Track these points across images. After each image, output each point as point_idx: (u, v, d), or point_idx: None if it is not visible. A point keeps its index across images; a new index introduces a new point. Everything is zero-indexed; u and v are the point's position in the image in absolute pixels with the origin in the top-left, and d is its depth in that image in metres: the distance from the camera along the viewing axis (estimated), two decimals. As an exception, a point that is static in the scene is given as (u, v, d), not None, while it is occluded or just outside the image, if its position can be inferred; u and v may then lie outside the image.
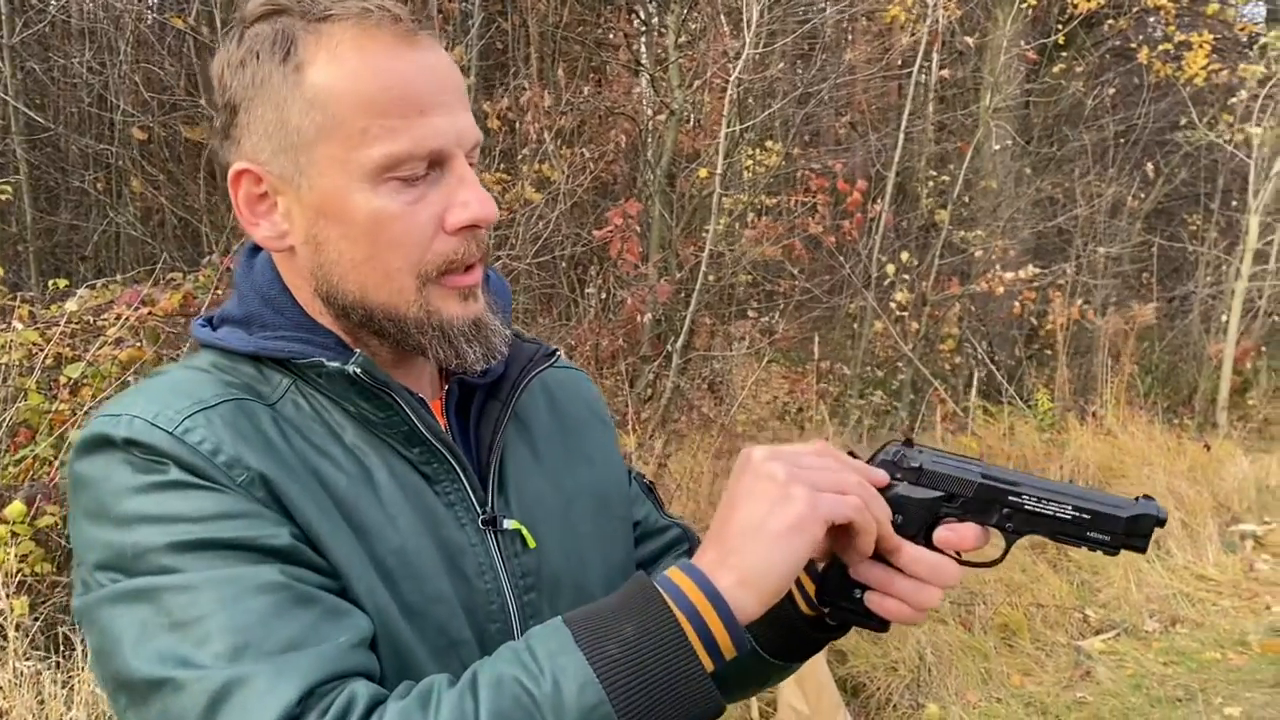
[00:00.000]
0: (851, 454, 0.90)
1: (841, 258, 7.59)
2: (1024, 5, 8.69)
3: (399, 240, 0.90)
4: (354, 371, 0.90)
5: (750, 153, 7.80)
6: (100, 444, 0.86)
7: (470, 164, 0.94)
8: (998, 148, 8.79)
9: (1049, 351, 8.29)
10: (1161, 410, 7.50)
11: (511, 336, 1.03)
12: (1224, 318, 8.48)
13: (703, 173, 6.83)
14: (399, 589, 0.89)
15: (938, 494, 0.89)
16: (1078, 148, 9.29)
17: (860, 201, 7.37)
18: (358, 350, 0.93)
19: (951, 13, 7.87)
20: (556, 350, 1.09)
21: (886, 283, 7.49)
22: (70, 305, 4.27)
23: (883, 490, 0.88)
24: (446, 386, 1.03)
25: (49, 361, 4.14)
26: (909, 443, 0.90)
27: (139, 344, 4.09)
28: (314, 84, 0.88)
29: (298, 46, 0.89)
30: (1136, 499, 0.90)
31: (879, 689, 3.92)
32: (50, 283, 4.56)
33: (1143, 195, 9.16)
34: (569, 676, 0.76)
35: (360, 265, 0.91)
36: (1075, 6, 9.12)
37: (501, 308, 1.02)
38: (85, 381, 4.02)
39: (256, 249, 1.01)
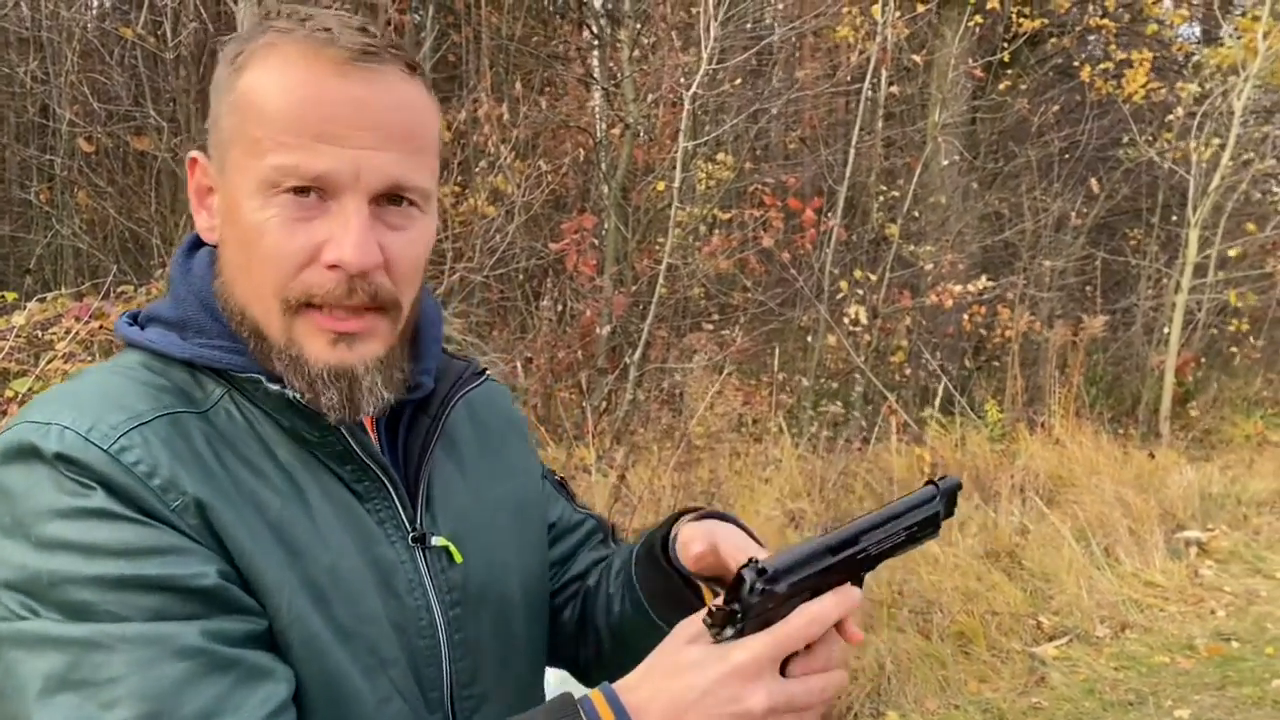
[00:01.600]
0: (713, 610, 0.88)
1: (794, 271, 7.66)
2: (970, 24, 8.87)
3: (268, 256, 0.87)
4: (294, 397, 0.89)
5: (703, 166, 7.85)
6: (25, 454, 0.82)
7: (411, 205, 0.91)
8: (946, 163, 8.94)
9: (996, 363, 8.44)
10: (1107, 420, 7.66)
11: (440, 354, 1.04)
12: (1165, 330, 8.69)
13: (659, 186, 6.87)
14: (331, 610, 0.88)
15: (808, 597, 0.90)
16: (1023, 163, 9.48)
17: (813, 217, 7.46)
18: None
19: (899, 31, 8.00)
20: (485, 370, 1.10)
21: (839, 296, 7.57)
22: (18, 319, 4.17)
23: (766, 622, 0.87)
24: None
25: (-6, 377, 4.04)
26: (761, 570, 0.87)
27: (89, 358, 4.01)
28: (239, 88, 0.89)
29: (246, 52, 0.90)
30: (934, 484, 0.99)
31: (840, 698, 3.95)
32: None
33: (1086, 210, 9.36)
34: None
35: (240, 273, 0.90)
36: (1020, 25, 9.35)
37: (432, 337, 1.02)
38: (32, 396, 3.92)
39: (194, 247, 0.99)
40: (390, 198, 0.90)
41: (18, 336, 4.06)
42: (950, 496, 1.00)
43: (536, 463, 1.19)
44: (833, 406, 6.88)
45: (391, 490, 0.96)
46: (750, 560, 0.86)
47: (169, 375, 0.91)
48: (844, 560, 0.92)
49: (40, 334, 4.28)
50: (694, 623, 0.86)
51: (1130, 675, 4.37)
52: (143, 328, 0.94)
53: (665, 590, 1.06)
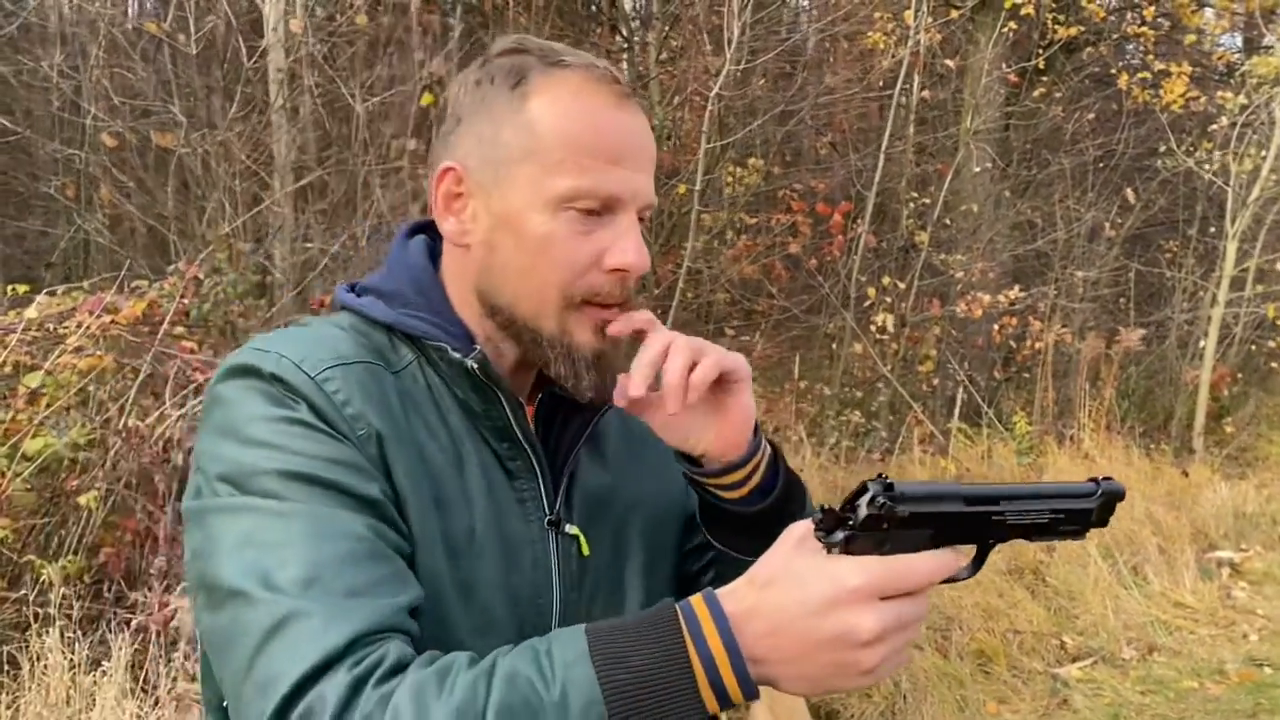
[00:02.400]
0: (828, 510, 0.88)
1: (821, 277, 7.56)
2: (1004, 29, 8.72)
3: (558, 261, 1.01)
4: (471, 365, 1.01)
5: (731, 170, 7.76)
6: (247, 372, 0.97)
7: (640, 222, 1.04)
8: (978, 170, 8.79)
9: (1026, 375, 8.27)
10: (1138, 435, 7.48)
11: None
12: (1200, 344, 8.49)
13: (681, 189, 6.78)
14: (458, 565, 0.98)
15: (929, 534, 0.86)
16: (1056, 172, 9.30)
17: (841, 223, 7.35)
18: (478, 346, 1.03)
19: (932, 37, 7.87)
20: None
21: (866, 304, 7.45)
22: (30, 312, 4.15)
23: (878, 546, 0.86)
24: (540, 395, 1.13)
25: (7, 370, 4.02)
26: (888, 485, 0.84)
27: (100, 352, 3.98)
28: (532, 111, 1.01)
29: (528, 79, 1.02)
30: (1095, 482, 0.93)
31: (853, 716, 3.84)
32: (9, 288, 4.44)
33: (1121, 220, 9.17)
34: (578, 691, 0.80)
35: (520, 275, 1.03)
36: (1055, 32, 9.18)
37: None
38: (43, 391, 3.91)
39: (412, 233, 1.13)
40: (641, 216, 1.05)
41: (27, 330, 4.04)
42: (1109, 501, 0.93)
43: (679, 470, 1.21)
44: (854, 416, 6.75)
45: (539, 473, 1.06)
46: (879, 474, 0.86)
47: (371, 336, 1.05)
48: (976, 515, 0.88)
49: (53, 328, 4.26)
50: (802, 526, 0.87)
51: (1157, 700, 4.22)
52: (359, 296, 1.09)
53: None
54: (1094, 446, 6.71)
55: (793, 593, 0.82)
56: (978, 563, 0.93)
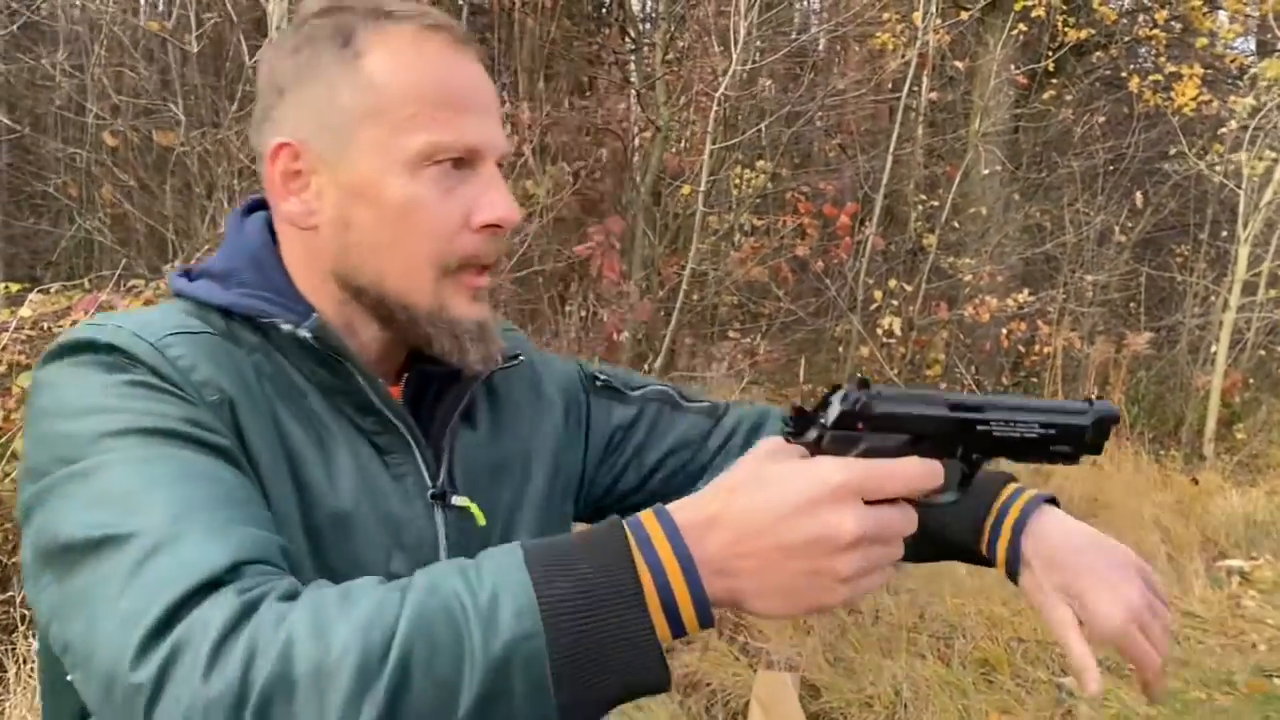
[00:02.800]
0: (800, 410, 0.83)
1: (828, 280, 7.50)
2: (1014, 31, 8.65)
3: (426, 228, 0.93)
4: (305, 336, 0.92)
5: (738, 172, 7.71)
6: (78, 348, 0.86)
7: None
8: (986, 173, 8.73)
9: (1035, 379, 8.19)
10: (1147, 441, 7.40)
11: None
12: (1212, 349, 8.40)
13: (686, 189, 6.73)
14: (324, 553, 0.90)
15: (905, 438, 0.81)
16: (1066, 175, 9.23)
17: (849, 225, 7.29)
18: (314, 314, 0.94)
19: (941, 38, 7.81)
20: (519, 354, 1.13)
21: (873, 307, 7.39)
22: (24, 310, 4.12)
23: (851, 446, 0.80)
24: (406, 375, 1.04)
25: (1, 369, 3.99)
26: (864, 383, 0.80)
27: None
28: (369, 70, 0.93)
29: (358, 36, 0.94)
30: (1088, 402, 0.88)
31: (853, 725, 3.78)
32: (3, 286, 4.42)
33: (1131, 224, 9.09)
34: (509, 597, 0.70)
35: (384, 249, 0.94)
36: (1065, 35, 9.10)
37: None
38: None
39: (250, 210, 1.04)
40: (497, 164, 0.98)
41: (22, 329, 4.00)
42: (1102, 422, 0.87)
43: (554, 426, 1.17)
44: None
45: (415, 446, 0.98)
46: (857, 375, 0.82)
47: (208, 320, 0.94)
48: (958, 422, 0.82)
49: (48, 327, 4.23)
50: (775, 441, 0.80)
51: (1164, 711, 4.14)
52: (193, 281, 0.98)
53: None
54: (1102, 453, 6.62)
55: (763, 495, 0.74)
56: (964, 482, 0.87)
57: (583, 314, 7.06)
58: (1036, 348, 8.02)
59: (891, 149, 7.45)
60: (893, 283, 7.58)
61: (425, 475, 0.98)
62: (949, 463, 0.83)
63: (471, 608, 0.70)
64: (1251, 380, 8.79)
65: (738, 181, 7.75)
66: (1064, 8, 9.05)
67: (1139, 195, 8.92)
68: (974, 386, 7.40)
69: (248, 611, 0.69)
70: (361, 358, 0.96)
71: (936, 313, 7.69)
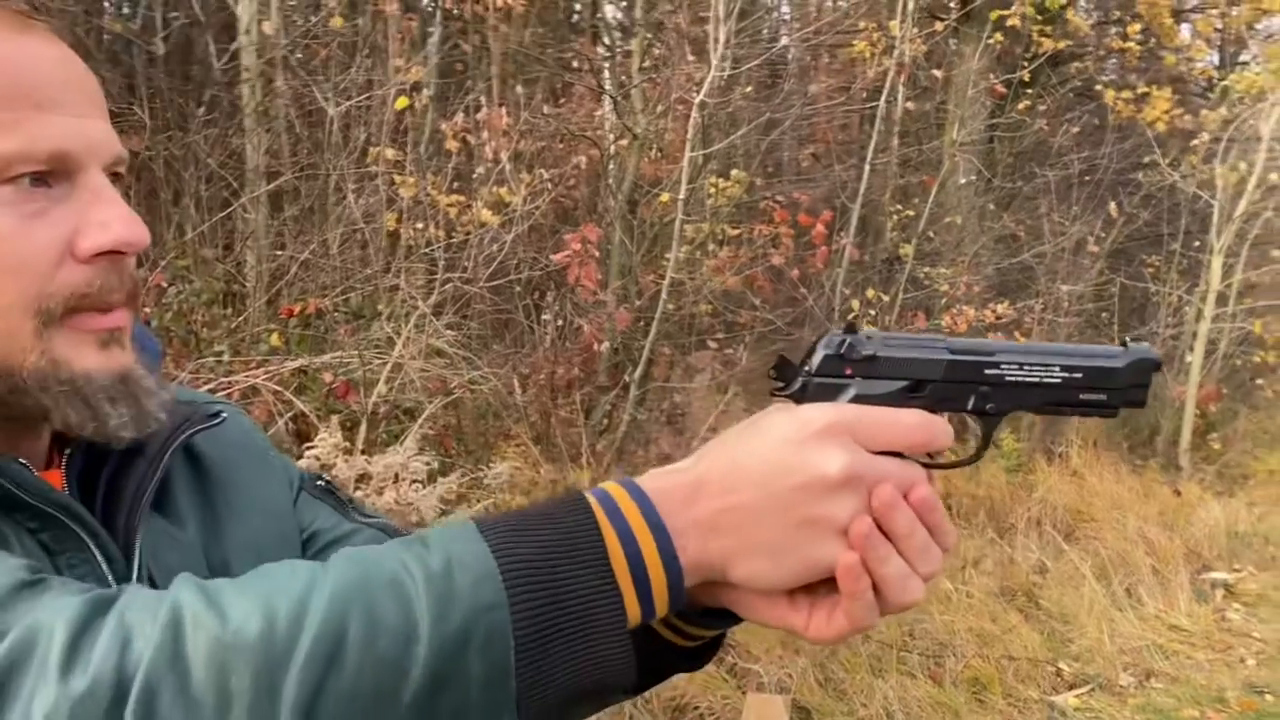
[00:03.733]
0: (785, 360, 0.74)
1: (804, 290, 7.43)
2: (990, 42, 8.64)
3: (9, 267, 0.70)
4: None
5: (714, 181, 7.63)
6: None
7: (116, 181, 0.76)
8: (963, 182, 8.72)
9: (1012, 390, 8.16)
10: (1125, 451, 7.38)
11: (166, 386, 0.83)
12: (1186, 359, 8.41)
13: (663, 198, 6.65)
14: None
15: (901, 384, 0.72)
16: (1041, 185, 9.24)
17: (825, 234, 7.23)
18: None
19: (917, 48, 7.78)
20: (221, 412, 0.90)
21: (851, 316, 7.32)
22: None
23: (838, 393, 0.71)
24: (69, 451, 0.80)
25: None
26: (851, 327, 0.72)
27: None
28: None
29: None
30: (1123, 343, 0.76)
31: (844, 747, 3.68)
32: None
33: (1105, 234, 9.11)
34: (466, 564, 0.59)
35: None
36: (1040, 45, 9.11)
37: (149, 367, 0.80)
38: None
39: None
40: (111, 174, 0.75)
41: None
42: (1140, 366, 0.74)
43: (284, 492, 0.96)
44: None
45: (90, 540, 0.75)
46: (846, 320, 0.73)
47: None
48: (963, 365, 0.72)
49: None
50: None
51: (1157, 729, 4.09)
52: None
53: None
54: (1082, 464, 6.59)
55: (745, 445, 0.67)
56: (983, 441, 0.77)
57: (559, 324, 6.95)
58: (1014, 358, 8.00)
59: (869, 158, 7.40)
60: (870, 292, 7.53)
61: (109, 575, 0.76)
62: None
63: (421, 577, 0.58)
64: (1225, 390, 8.83)
65: (713, 190, 7.68)
66: (1039, 19, 9.06)
67: (1113, 205, 8.95)
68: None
69: (100, 607, 0.58)
70: None
71: (913, 323, 7.64)
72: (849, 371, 0.71)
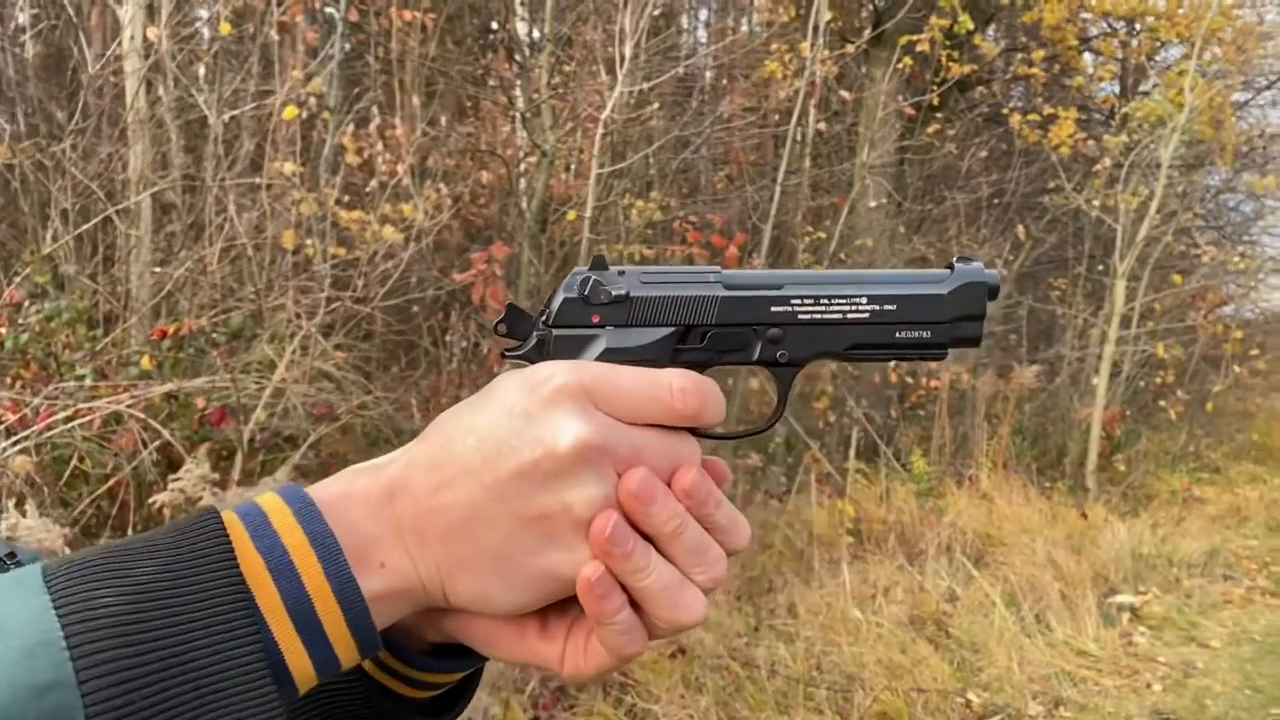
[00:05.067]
0: (514, 309, 0.59)
1: (716, 311, 7.33)
2: (899, 64, 8.68)
3: None
4: None
5: (633, 204, 7.51)
6: None
7: None
8: (873, 204, 8.73)
9: (922, 412, 8.16)
10: (1033, 474, 7.41)
11: None
12: (1092, 381, 8.51)
13: (571, 215, 6.49)
14: None
15: (665, 332, 0.56)
16: (950, 208, 9.31)
17: (737, 256, 7.14)
18: None
19: (828, 69, 7.77)
20: None
21: (762, 338, 7.24)
22: None
23: (583, 347, 0.56)
24: None
25: None
26: (600, 261, 0.57)
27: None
28: None
29: None
30: (950, 265, 0.61)
31: (749, 790, 3.52)
32: None
33: (1012, 257, 9.21)
34: (15, 629, 0.43)
35: None
36: (949, 70, 9.20)
37: None
38: None
39: None
40: None
41: None
42: (971, 295, 0.59)
43: None
44: (746, 459, 6.50)
45: None
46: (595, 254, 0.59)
47: None
48: (745, 304, 0.56)
49: None
50: None
51: (1065, 760, 4.01)
52: None
53: None
54: (991, 486, 6.58)
55: (459, 424, 0.52)
56: (779, 402, 0.62)
57: (464, 344, 6.74)
58: (924, 381, 8.00)
59: (780, 179, 7.35)
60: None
61: None
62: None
63: None
64: (1128, 411, 8.96)
65: (636, 212, 7.56)
66: (948, 43, 9.15)
67: (1020, 229, 9.05)
68: (864, 420, 7.30)
69: None
70: None
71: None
72: (596, 319, 0.56)
